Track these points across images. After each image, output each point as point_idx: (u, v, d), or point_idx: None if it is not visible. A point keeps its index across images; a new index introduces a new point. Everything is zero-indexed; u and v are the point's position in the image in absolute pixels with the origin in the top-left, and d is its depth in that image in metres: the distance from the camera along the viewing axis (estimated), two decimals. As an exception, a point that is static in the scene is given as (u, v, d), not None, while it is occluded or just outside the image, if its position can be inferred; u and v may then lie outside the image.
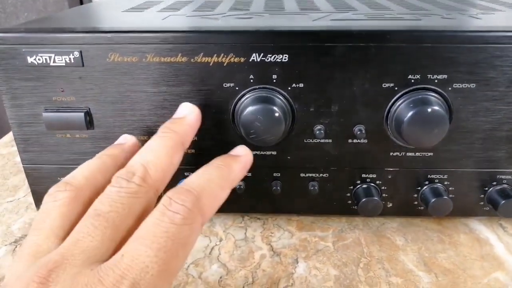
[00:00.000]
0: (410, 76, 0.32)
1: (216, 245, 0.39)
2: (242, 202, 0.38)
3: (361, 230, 0.40)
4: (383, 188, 0.37)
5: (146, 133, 0.35)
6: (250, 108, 0.32)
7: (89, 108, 0.34)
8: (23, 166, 0.37)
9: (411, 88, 0.32)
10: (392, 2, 0.49)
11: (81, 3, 1.41)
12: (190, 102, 0.33)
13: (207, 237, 0.40)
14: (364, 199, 0.36)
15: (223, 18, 0.38)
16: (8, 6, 1.36)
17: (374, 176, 0.37)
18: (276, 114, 0.31)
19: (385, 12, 0.41)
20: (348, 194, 0.38)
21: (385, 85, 0.33)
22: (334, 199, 0.38)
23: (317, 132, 0.34)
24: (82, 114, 0.34)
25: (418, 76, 0.32)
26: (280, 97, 0.33)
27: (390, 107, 0.33)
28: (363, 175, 0.37)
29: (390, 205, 0.38)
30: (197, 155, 0.36)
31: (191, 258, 0.37)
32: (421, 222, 0.41)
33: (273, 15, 0.40)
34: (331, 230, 0.40)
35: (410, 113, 0.32)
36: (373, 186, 0.37)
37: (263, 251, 0.38)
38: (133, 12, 0.43)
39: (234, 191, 0.37)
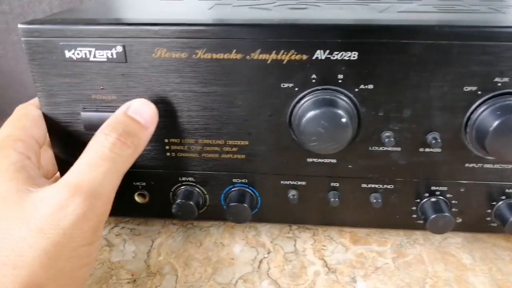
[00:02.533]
0: (496, 79, 0.28)
1: (265, 257, 0.35)
2: (295, 213, 0.35)
3: (422, 246, 0.36)
4: (453, 202, 0.33)
5: (193, 136, 0.32)
6: (312, 112, 0.28)
7: (131, 108, 0.31)
8: (59, 168, 0.34)
9: (497, 92, 0.28)
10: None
11: None
12: (243, 103, 0.30)
13: (254, 248, 0.36)
14: (435, 215, 0.32)
15: (275, 9, 0.34)
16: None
17: (445, 188, 0.33)
18: (343, 120, 0.28)
19: (454, 3, 0.37)
20: (414, 208, 0.34)
21: (466, 88, 0.28)
22: (397, 212, 0.34)
23: (386, 139, 0.30)
24: (124, 114, 0.30)
25: (506, 80, 0.28)
26: (346, 99, 0.29)
27: (471, 113, 0.29)
28: (433, 188, 0.33)
29: (460, 220, 0.34)
30: (248, 161, 0.33)
31: (239, 272, 0.34)
32: (488, 237, 0.37)
33: (329, 5, 0.36)
34: (389, 245, 0.36)
35: (496, 122, 0.27)
36: (442, 199, 0.33)
37: (316, 267, 0.34)
38: (172, 1, 0.40)
39: (286, 200, 0.34)
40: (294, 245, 0.36)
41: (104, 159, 0.26)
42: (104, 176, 0.25)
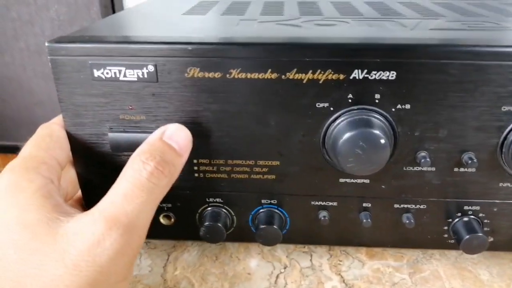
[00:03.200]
0: (536, 99, 0.28)
1: (281, 272, 0.35)
2: (324, 234, 0.34)
3: (439, 261, 0.36)
4: (485, 221, 0.33)
5: (223, 156, 0.31)
6: (350, 133, 0.27)
7: (161, 129, 0.30)
8: (82, 190, 0.33)
9: (535, 112, 0.28)
10: (475, 6, 0.45)
11: (114, 11, 1.37)
12: (276, 123, 0.29)
13: (270, 262, 0.36)
14: (469, 236, 0.31)
15: (304, 25, 0.34)
16: (46, 29, 1.33)
17: (478, 208, 0.32)
18: (382, 141, 0.27)
19: (480, 20, 0.37)
20: (445, 227, 0.33)
21: (504, 108, 0.28)
22: (428, 232, 0.34)
23: (422, 159, 0.29)
24: (153, 135, 0.30)
25: (545, 100, 0.27)
26: (382, 119, 0.28)
27: (508, 133, 0.29)
28: (465, 207, 0.32)
29: (491, 239, 0.33)
30: (278, 181, 0.32)
31: (256, 287, 0.33)
32: (505, 253, 0.36)
33: (355, 20, 0.36)
34: (405, 260, 0.36)
35: (535, 142, 0.27)
36: (475, 219, 0.32)
37: (333, 283, 0.34)
38: (195, 16, 0.39)
39: (316, 221, 0.33)
40: (310, 260, 0.36)
41: (142, 189, 0.25)
42: (141, 208, 0.24)
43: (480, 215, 0.32)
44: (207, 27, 0.35)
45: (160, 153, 0.26)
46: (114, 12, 1.41)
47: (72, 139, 0.31)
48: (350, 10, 0.41)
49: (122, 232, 0.23)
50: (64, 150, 0.30)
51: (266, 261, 0.36)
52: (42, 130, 0.30)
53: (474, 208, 0.32)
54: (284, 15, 0.39)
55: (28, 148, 0.28)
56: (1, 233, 0.23)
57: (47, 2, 1.29)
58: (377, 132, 0.27)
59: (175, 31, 0.33)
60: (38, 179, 0.26)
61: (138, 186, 0.25)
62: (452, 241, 0.33)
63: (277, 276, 0.34)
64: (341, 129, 0.28)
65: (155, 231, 0.34)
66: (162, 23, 0.36)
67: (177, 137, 0.28)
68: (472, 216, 0.32)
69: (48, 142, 0.29)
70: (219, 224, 0.32)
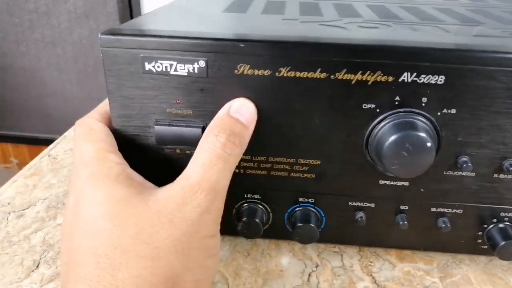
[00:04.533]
0: None
1: (313, 271, 0.35)
2: (359, 235, 0.35)
3: (468, 266, 0.36)
4: (521, 228, 0.33)
5: (265, 153, 0.32)
6: (397, 135, 0.28)
7: (206, 124, 0.30)
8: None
9: None
10: (510, 14, 0.45)
11: (131, 16, 1.37)
12: (321, 122, 0.30)
13: (301, 260, 0.36)
14: (504, 242, 0.31)
15: (348, 27, 0.34)
16: (62, 22, 1.34)
17: (514, 215, 0.32)
18: (428, 144, 0.27)
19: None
20: (480, 233, 0.33)
21: (550, 116, 0.28)
22: (462, 237, 0.34)
23: (464, 164, 0.30)
24: (199, 130, 0.30)
25: None
26: (428, 122, 0.29)
27: (552, 141, 0.29)
28: (502, 214, 0.32)
29: (525, 247, 0.33)
30: (317, 180, 0.32)
31: (289, 284, 0.34)
32: None
33: (397, 24, 0.36)
34: (435, 264, 0.36)
35: None
36: (510, 226, 0.33)
37: (365, 283, 0.34)
38: (235, 14, 0.40)
39: (352, 221, 0.33)
40: (341, 260, 0.36)
41: (218, 158, 0.27)
42: (220, 174, 0.27)
43: (516, 221, 0.33)
44: (251, 25, 0.35)
45: (229, 126, 0.28)
46: (130, 5, 1.42)
47: (118, 131, 0.31)
48: (388, 14, 0.41)
49: (206, 193, 0.26)
50: (110, 135, 0.30)
51: (297, 259, 0.36)
52: (81, 127, 0.30)
53: (510, 215, 0.32)
54: (324, 16, 0.39)
55: (85, 147, 0.29)
56: (94, 211, 0.25)
57: (64, -6, 1.30)
58: (423, 135, 0.27)
59: (222, 28, 0.34)
60: (114, 166, 0.27)
61: (214, 155, 0.27)
62: (485, 246, 0.34)
63: (309, 274, 0.35)
64: (386, 131, 0.28)
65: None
66: (207, 19, 0.36)
67: (242, 111, 0.29)
68: (508, 223, 0.33)
69: (96, 134, 0.30)
70: (257, 220, 0.33)
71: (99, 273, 0.23)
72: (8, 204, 0.43)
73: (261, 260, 0.36)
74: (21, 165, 1.83)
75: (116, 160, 0.28)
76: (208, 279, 0.27)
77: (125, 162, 0.29)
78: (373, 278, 0.35)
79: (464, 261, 0.36)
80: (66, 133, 0.60)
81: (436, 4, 0.50)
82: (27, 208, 0.43)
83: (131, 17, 1.41)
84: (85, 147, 0.28)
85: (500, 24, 0.38)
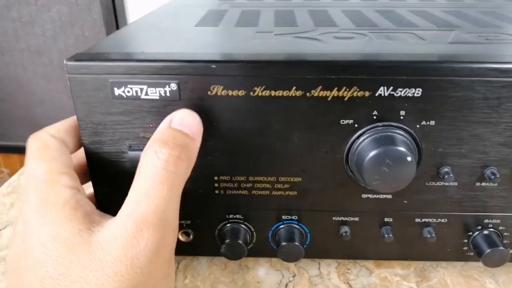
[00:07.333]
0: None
1: (290, 281, 0.35)
2: (345, 249, 0.34)
3: (445, 269, 0.36)
4: (505, 234, 0.33)
5: (244, 173, 0.31)
6: (376, 151, 0.27)
7: (182, 147, 0.29)
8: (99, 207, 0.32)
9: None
10: (485, 15, 0.45)
11: (117, 27, 1.35)
12: (299, 139, 0.29)
13: (278, 271, 0.36)
14: (490, 250, 0.31)
15: (323, 39, 0.33)
16: (47, 30, 1.31)
17: (498, 221, 0.32)
18: (409, 158, 0.27)
19: (495, 31, 0.37)
20: (465, 240, 0.33)
21: (528, 123, 0.28)
22: (448, 245, 0.34)
23: (445, 175, 0.29)
24: (175, 153, 0.29)
25: None
26: (407, 135, 0.28)
27: (531, 147, 0.29)
28: (486, 221, 0.32)
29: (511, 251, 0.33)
30: (300, 198, 0.32)
31: None
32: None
33: (372, 33, 0.36)
34: (412, 268, 0.36)
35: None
36: (494, 232, 0.33)
37: None
38: (208, 27, 0.39)
39: (337, 236, 0.33)
40: (319, 268, 0.36)
41: (162, 181, 0.24)
42: (166, 202, 0.24)
43: (500, 228, 0.32)
44: (224, 41, 0.34)
45: (172, 139, 0.25)
46: (115, 12, 1.40)
47: (90, 157, 0.30)
48: (364, 21, 0.41)
49: (153, 230, 0.23)
50: (67, 155, 0.28)
51: (274, 269, 0.36)
52: (34, 144, 0.28)
53: (494, 221, 0.32)
54: (299, 26, 0.38)
55: (36, 164, 0.27)
56: (40, 252, 0.23)
57: (48, 2, 1.28)
58: (403, 149, 0.27)
59: (193, 46, 0.33)
60: (64, 191, 0.25)
61: (157, 179, 0.24)
62: (472, 253, 0.33)
63: (286, 285, 0.35)
64: (366, 146, 0.28)
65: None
66: (178, 36, 0.35)
67: (186, 122, 0.26)
68: (492, 229, 0.33)
69: (50, 153, 0.27)
70: (240, 241, 0.32)
71: None
72: (-15, 223, 0.42)
73: (239, 272, 0.36)
74: (12, 174, 1.80)
75: (67, 184, 0.26)
76: None
77: (78, 185, 0.27)
78: (350, 285, 0.34)
79: (441, 264, 0.36)
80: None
81: (412, 6, 0.49)
82: (3, 228, 0.42)
83: (116, 23, 1.39)
84: (36, 168, 0.26)
85: (476, 27, 0.38)
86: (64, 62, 0.28)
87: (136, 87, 0.28)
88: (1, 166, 1.77)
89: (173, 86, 0.28)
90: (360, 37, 0.34)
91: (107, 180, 0.31)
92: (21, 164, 1.76)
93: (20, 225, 0.25)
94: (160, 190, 0.24)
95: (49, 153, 0.27)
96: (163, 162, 0.24)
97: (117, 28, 1.41)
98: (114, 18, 1.39)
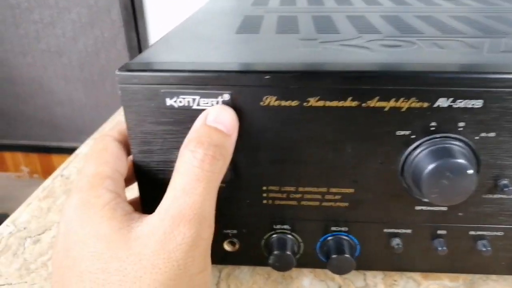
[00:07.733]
0: None
1: None
2: (395, 260, 0.33)
3: (496, 282, 0.35)
4: None
5: (294, 183, 0.30)
6: (436, 163, 0.26)
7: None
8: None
9: None
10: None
11: (136, 28, 1.36)
12: (353, 150, 0.28)
13: (323, 281, 0.35)
14: (549, 264, 0.30)
15: (371, 47, 0.33)
16: (67, 31, 1.33)
17: (556, 234, 0.31)
18: (470, 171, 0.26)
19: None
20: (521, 254, 0.32)
21: None
22: (502, 258, 0.33)
23: (504, 187, 0.28)
24: (227, 163, 0.29)
25: None
26: (466, 147, 0.27)
27: None
28: (543, 234, 0.31)
29: None
30: (351, 209, 0.31)
31: None
32: None
33: (421, 40, 0.35)
34: (461, 280, 0.35)
35: None
36: (552, 245, 0.31)
37: None
38: (248, 34, 0.38)
39: (387, 248, 0.32)
40: (364, 279, 0.35)
41: (198, 179, 0.24)
42: (203, 198, 0.24)
43: (558, 241, 0.31)
44: (271, 50, 0.34)
45: (207, 138, 0.26)
46: (134, 13, 1.41)
47: (139, 167, 0.30)
48: (406, 27, 0.40)
49: (190, 225, 0.24)
50: (122, 160, 0.29)
51: (319, 279, 0.35)
52: (97, 145, 0.29)
53: (552, 234, 0.31)
54: (341, 33, 0.38)
55: (89, 166, 0.28)
56: (79, 249, 0.24)
57: (69, 5, 1.29)
58: (464, 162, 0.26)
59: (240, 55, 0.32)
60: (105, 194, 0.26)
61: (193, 177, 0.24)
62: (527, 267, 0.32)
63: None
64: (424, 157, 0.27)
65: (219, 257, 0.33)
66: (222, 45, 0.35)
67: (221, 118, 0.27)
68: (549, 243, 0.31)
69: (106, 156, 0.28)
70: (289, 253, 0.31)
71: None
72: (24, 229, 0.42)
73: (282, 282, 0.35)
74: (32, 173, 1.83)
75: (110, 188, 0.26)
76: None
77: (119, 190, 0.27)
78: (397, 298, 0.33)
79: (491, 277, 0.35)
80: (77, 151, 0.59)
81: (449, 11, 0.48)
82: (42, 233, 0.42)
83: (135, 24, 1.40)
84: (86, 170, 0.27)
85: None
86: (116, 72, 0.27)
87: (189, 98, 0.27)
88: (21, 165, 1.80)
89: (226, 96, 0.27)
90: (408, 45, 0.33)
91: (155, 189, 0.31)
92: (41, 163, 1.79)
93: (62, 225, 0.26)
94: (196, 187, 0.24)
95: (104, 156, 0.28)
96: (199, 161, 0.25)
97: (136, 29, 1.41)
98: (133, 19, 1.40)
